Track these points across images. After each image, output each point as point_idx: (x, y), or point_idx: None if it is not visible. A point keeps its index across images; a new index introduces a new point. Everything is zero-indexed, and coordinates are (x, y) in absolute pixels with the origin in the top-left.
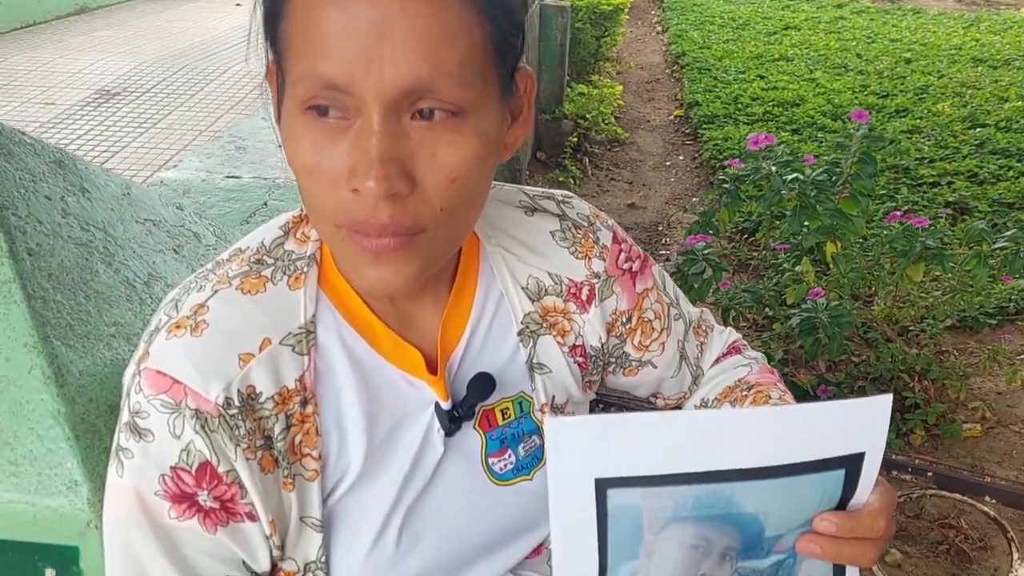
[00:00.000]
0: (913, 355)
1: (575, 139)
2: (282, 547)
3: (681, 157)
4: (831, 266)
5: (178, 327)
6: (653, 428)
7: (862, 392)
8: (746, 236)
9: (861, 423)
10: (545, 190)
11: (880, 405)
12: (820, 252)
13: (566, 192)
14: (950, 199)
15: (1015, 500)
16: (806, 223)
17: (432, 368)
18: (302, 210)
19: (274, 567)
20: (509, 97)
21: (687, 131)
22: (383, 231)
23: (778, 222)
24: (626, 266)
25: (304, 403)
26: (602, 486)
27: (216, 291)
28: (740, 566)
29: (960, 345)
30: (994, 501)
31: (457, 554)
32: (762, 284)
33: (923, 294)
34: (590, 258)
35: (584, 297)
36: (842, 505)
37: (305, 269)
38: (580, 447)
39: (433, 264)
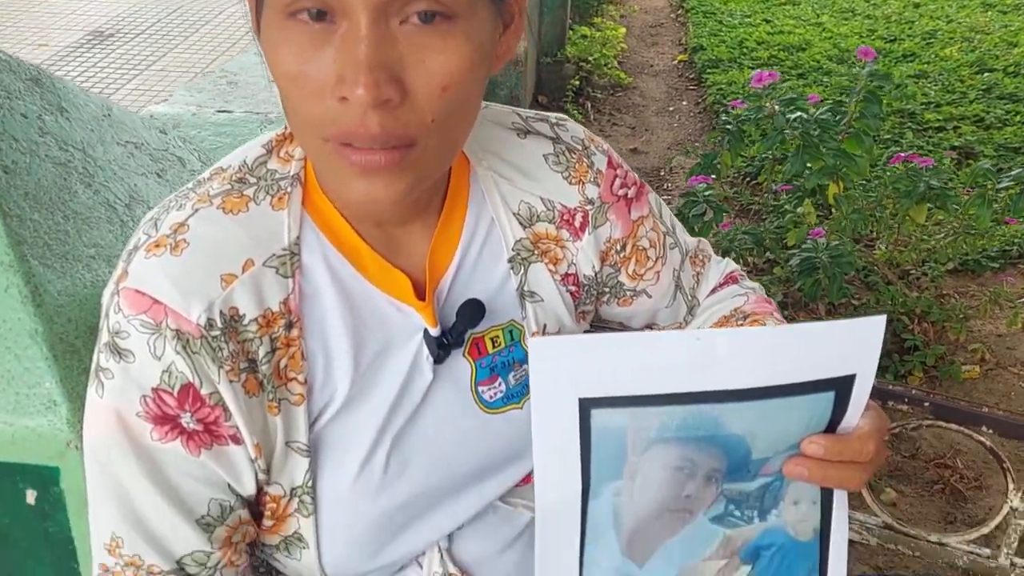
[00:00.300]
0: (914, 298)
1: (577, 83)
2: (268, 471)
3: (684, 102)
4: (833, 208)
5: (157, 246)
6: (639, 348)
7: None
8: (748, 180)
9: (853, 345)
10: (539, 112)
11: (873, 326)
12: (822, 195)
13: (560, 115)
14: (956, 144)
15: (1012, 431)
16: (809, 163)
17: (420, 294)
18: (286, 128)
19: (260, 491)
20: (500, 2)
21: (691, 76)
22: (373, 142)
23: (780, 166)
24: (621, 192)
25: (289, 326)
26: (586, 406)
27: (197, 210)
28: (726, 488)
29: (961, 288)
30: (991, 432)
31: (446, 481)
32: (763, 227)
33: (925, 236)
34: (584, 183)
35: (577, 224)
36: (831, 429)
37: (289, 189)
38: (564, 366)
39: (424, 179)
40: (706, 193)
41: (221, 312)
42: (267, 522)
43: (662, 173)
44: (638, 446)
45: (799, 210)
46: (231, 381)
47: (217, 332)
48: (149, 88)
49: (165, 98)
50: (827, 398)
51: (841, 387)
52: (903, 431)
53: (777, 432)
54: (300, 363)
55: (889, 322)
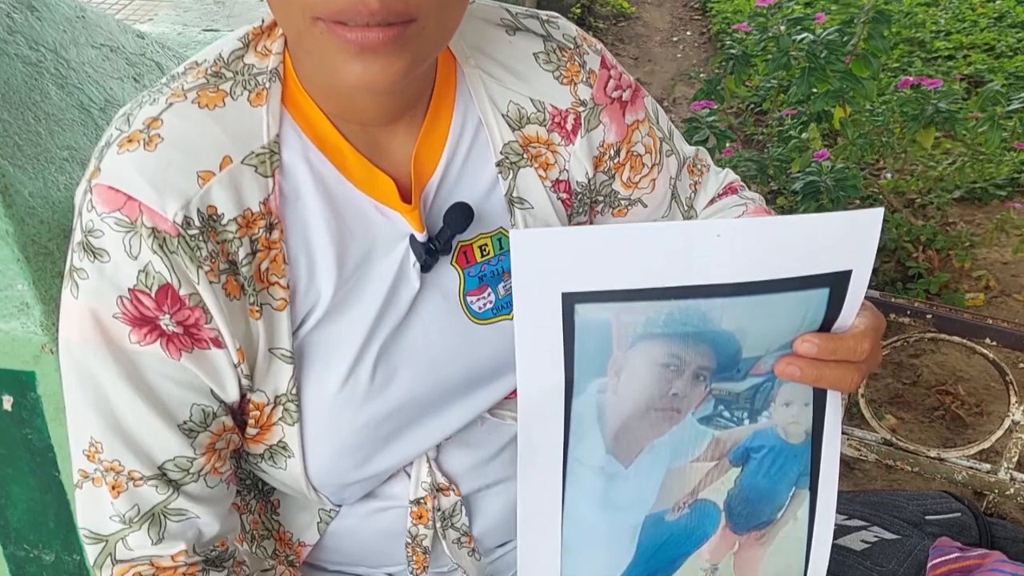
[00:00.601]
0: (919, 226)
1: (578, 11)
2: (251, 377)
3: (688, 32)
4: (839, 134)
5: (130, 141)
6: (624, 240)
7: None
8: (752, 109)
9: (849, 239)
10: (529, 8)
11: (870, 219)
12: (828, 120)
13: (552, 12)
14: (965, 72)
15: (1017, 342)
16: (815, 87)
17: (406, 198)
18: (263, 22)
19: (244, 398)
20: None
21: (695, 5)
22: (371, 18)
23: (784, 95)
24: (615, 94)
25: (270, 228)
26: (569, 301)
27: (171, 104)
28: (715, 388)
29: (967, 217)
30: (995, 344)
31: (434, 391)
32: (767, 153)
33: (932, 164)
34: (576, 84)
35: (569, 127)
36: (825, 327)
37: (267, 85)
38: (547, 259)
39: (421, 61)
40: (709, 119)
41: (199, 210)
42: (251, 431)
43: (665, 104)
44: (623, 342)
45: (804, 135)
46: (211, 282)
47: (195, 231)
48: (135, 9)
49: (150, 18)
50: (821, 295)
51: (836, 283)
52: (904, 344)
53: (769, 330)
54: (282, 267)
55: (893, 250)
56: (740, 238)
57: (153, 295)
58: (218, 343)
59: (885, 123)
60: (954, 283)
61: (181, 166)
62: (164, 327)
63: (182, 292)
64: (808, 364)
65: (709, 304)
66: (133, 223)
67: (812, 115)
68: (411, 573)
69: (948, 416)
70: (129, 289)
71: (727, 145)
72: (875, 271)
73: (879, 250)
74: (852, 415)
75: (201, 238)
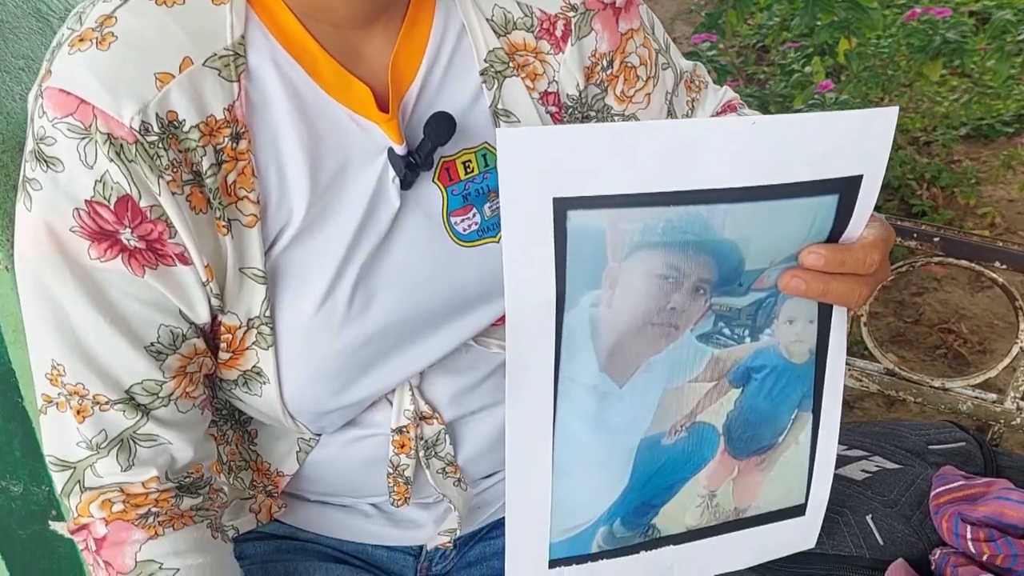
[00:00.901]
0: (923, 163)
1: None
2: (221, 298)
3: None
4: (844, 66)
5: (82, 40)
6: (621, 139)
7: None
8: (755, 47)
9: (860, 141)
10: None
11: (884, 119)
12: (832, 54)
13: None
14: (974, 8)
15: None
16: (819, 18)
17: (383, 108)
18: None
19: (215, 321)
20: None
21: None
22: None
23: (787, 32)
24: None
25: (236, 138)
26: (561, 206)
27: (125, 0)
28: (715, 303)
29: (973, 155)
30: (1004, 267)
31: (416, 317)
32: (769, 89)
33: (939, 99)
34: None
35: (558, 33)
36: (833, 238)
37: None
38: (536, 162)
39: None
40: (709, 52)
41: (157, 115)
42: (224, 355)
43: None
44: (619, 251)
45: (807, 69)
46: (173, 193)
47: (154, 138)
48: None
49: None
50: (830, 202)
51: (846, 190)
52: (910, 272)
53: (773, 239)
54: (251, 180)
55: (897, 188)
56: (744, 139)
57: (112, 207)
58: (184, 259)
59: (891, 55)
60: (959, 221)
61: (137, 66)
62: (125, 242)
63: (143, 204)
64: (814, 277)
65: (711, 210)
66: (87, 129)
67: (816, 48)
68: (392, 503)
69: (950, 355)
70: (86, 201)
71: (727, 80)
72: (878, 207)
73: (882, 187)
74: (850, 346)
75: (161, 145)
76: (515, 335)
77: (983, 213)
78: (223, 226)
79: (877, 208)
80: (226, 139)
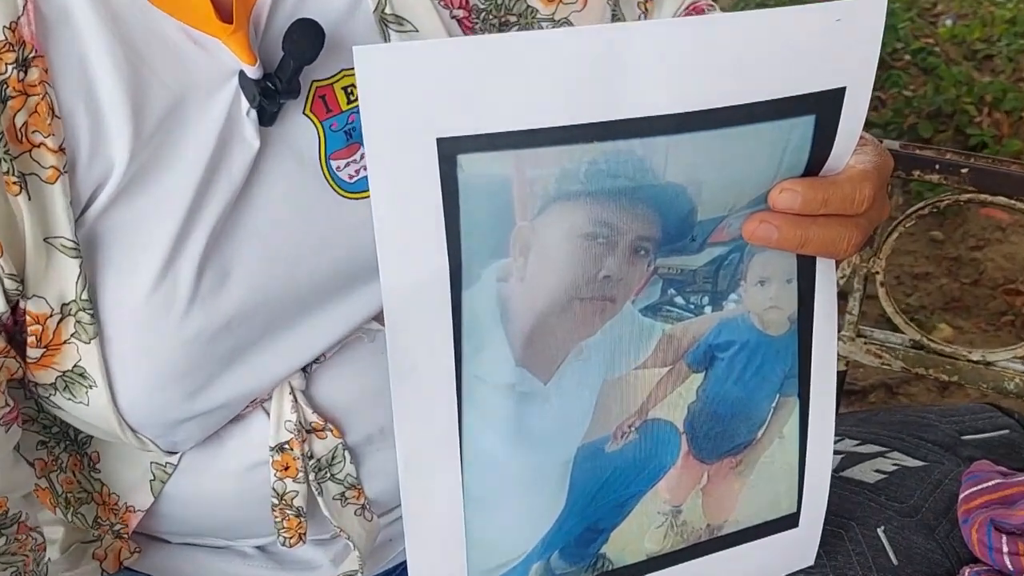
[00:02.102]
0: (984, 82)
1: None
2: (21, 278)
3: None
4: None
5: None
6: (524, 54)
7: (914, 133)
8: None
9: (841, 43)
10: None
11: (870, 9)
12: None
13: None
14: None
15: None
16: None
17: (227, 19)
18: None
19: (16, 309)
20: None
21: None
22: None
23: None
24: None
25: (24, 66)
26: (449, 150)
27: None
28: (661, 265)
29: None
30: None
31: (291, 293)
32: None
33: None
34: None
35: None
36: (812, 171)
37: None
38: (411, 89)
39: None
40: None
41: None
42: (34, 352)
43: None
44: (530, 206)
45: None
46: None
47: None
48: None
49: None
50: (804, 124)
51: (824, 108)
52: (934, 211)
53: (732, 178)
54: (48, 121)
55: (951, 115)
56: (688, 45)
57: None
58: None
59: None
60: None
61: None
62: None
63: None
64: (788, 222)
65: (647, 145)
66: None
67: None
68: (284, 543)
69: (1019, 322)
70: None
71: None
72: (927, 140)
73: (931, 115)
74: (869, 305)
75: None
76: (396, 325)
77: None
78: (13, 183)
79: (926, 139)
80: (11, 68)
